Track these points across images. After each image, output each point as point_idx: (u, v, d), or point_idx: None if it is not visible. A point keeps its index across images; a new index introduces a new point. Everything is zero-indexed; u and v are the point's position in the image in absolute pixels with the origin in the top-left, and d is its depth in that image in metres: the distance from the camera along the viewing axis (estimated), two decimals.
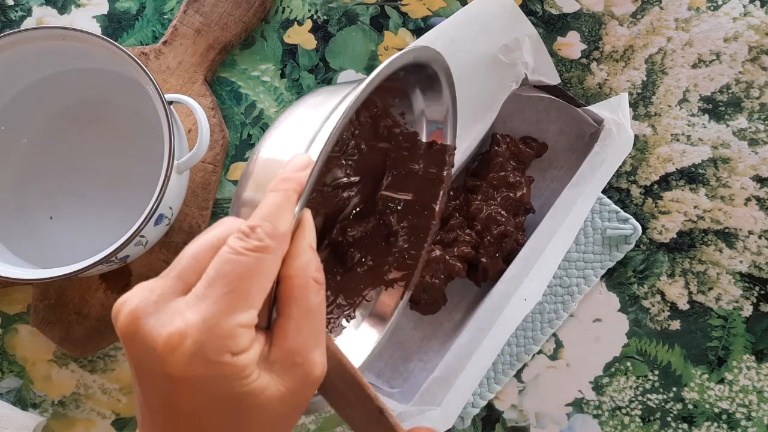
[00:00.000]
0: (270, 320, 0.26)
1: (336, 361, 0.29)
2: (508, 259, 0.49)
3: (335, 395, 0.30)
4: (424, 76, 0.37)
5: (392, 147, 0.41)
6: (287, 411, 0.26)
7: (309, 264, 0.26)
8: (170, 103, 0.44)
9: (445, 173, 0.41)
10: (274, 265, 0.25)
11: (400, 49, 0.52)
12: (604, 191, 0.51)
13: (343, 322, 0.40)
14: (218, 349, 0.23)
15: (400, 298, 0.42)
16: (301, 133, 0.29)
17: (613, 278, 0.52)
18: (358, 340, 0.40)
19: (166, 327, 0.24)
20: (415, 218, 0.42)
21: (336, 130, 0.27)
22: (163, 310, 0.24)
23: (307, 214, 0.27)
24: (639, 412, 0.51)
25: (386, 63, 0.30)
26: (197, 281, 0.25)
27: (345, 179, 0.40)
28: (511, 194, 0.49)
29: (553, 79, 0.50)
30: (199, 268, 0.25)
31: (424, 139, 0.41)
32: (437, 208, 0.42)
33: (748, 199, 0.52)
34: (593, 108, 0.50)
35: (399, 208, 0.42)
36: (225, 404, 0.24)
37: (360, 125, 0.39)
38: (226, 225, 0.26)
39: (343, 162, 0.40)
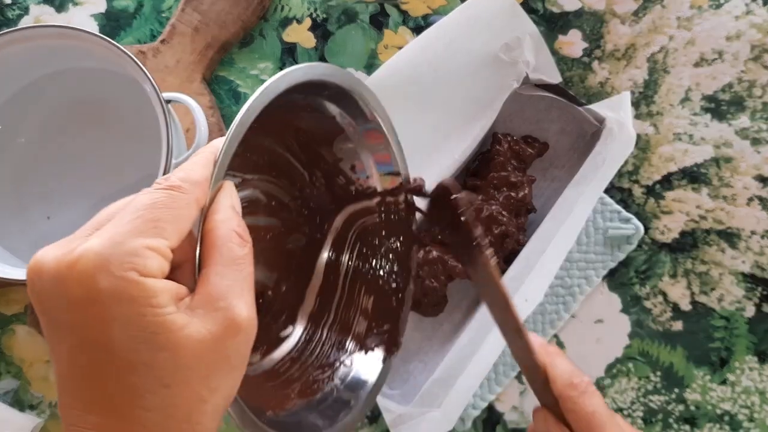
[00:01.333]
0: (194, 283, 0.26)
1: (493, 282, 0.32)
2: (508, 260, 0.49)
3: (490, 304, 0.34)
4: (349, 103, 0.36)
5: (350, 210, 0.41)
6: (210, 358, 0.24)
7: (230, 218, 0.26)
8: (168, 102, 0.44)
9: (413, 230, 0.40)
10: (187, 205, 0.25)
11: (400, 48, 0.52)
12: (605, 191, 0.51)
13: (347, 361, 0.40)
14: (123, 264, 0.22)
15: (382, 363, 0.40)
16: None
17: (615, 279, 0.51)
18: (354, 381, 0.40)
19: (71, 253, 0.23)
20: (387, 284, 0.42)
21: (247, 108, 0.28)
22: (66, 246, 0.24)
23: (229, 183, 0.28)
24: (641, 414, 0.50)
25: (277, 76, 0.30)
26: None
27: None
28: (513, 194, 0.49)
29: (555, 77, 0.50)
30: (112, 217, 0.25)
31: (378, 187, 0.40)
32: (411, 262, 0.41)
33: (750, 199, 0.51)
34: (595, 107, 0.50)
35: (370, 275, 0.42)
36: (135, 334, 0.23)
37: (315, 187, 0.39)
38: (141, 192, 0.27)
39: (303, 226, 0.40)
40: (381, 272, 0.41)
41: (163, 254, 0.24)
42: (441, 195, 0.35)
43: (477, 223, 0.36)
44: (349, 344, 0.40)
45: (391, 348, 0.40)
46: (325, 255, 0.41)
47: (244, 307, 0.25)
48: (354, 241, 0.41)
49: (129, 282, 0.23)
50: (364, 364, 0.39)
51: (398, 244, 0.40)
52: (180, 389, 0.24)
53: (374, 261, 0.41)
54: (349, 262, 0.41)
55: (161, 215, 0.24)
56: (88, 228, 0.25)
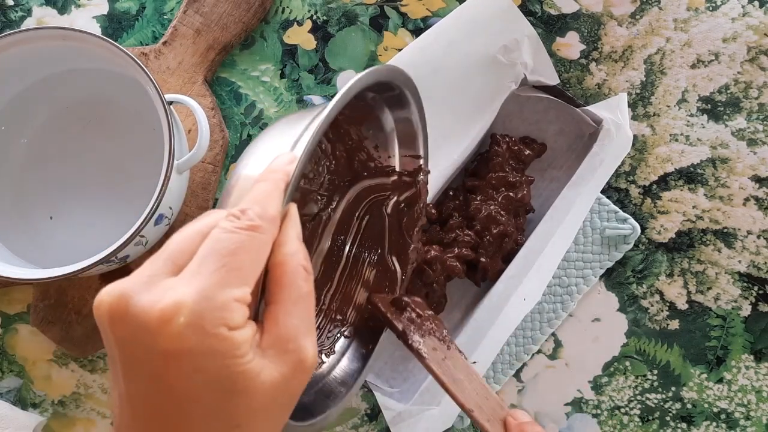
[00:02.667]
0: (259, 312, 0.26)
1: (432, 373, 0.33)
2: (507, 259, 0.49)
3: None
4: (391, 94, 0.37)
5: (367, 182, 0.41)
6: (279, 399, 0.25)
7: (297, 251, 0.26)
8: (170, 103, 0.44)
9: (419, 208, 0.41)
10: (265, 245, 0.25)
11: (400, 50, 0.52)
12: (603, 191, 0.52)
13: (323, 357, 0.40)
14: (215, 321, 0.23)
15: (379, 335, 0.41)
16: (283, 142, 0.30)
17: (612, 278, 0.52)
18: (352, 356, 0.40)
19: (160, 301, 0.23)
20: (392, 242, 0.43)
21: (319, 127, 0.28)
22: (155, 288, 0.24)
23: (293, 207, 0.27)
24: (638, 412, 0.51)
25: (353, 80, 0.31)
26: (187, 263, 0.24)
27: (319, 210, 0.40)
28: (512, 194, 0.49)
29: (552, 79, 0.51)
30: (189, 250, 0.25)
31: (397, 167, 0.41)
32: (413, 240, 0.42)
33: (746, 199, 0.52)
34: (592, 108, 0.50)
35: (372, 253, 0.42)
36: (218, 384, 0.23)
37: (336, 159, 0.40)
38: (213, 215, 0.26)
39: (318, 197, 0.40)
40: (386, 247, 0.42)
41: (246, 302, 0.24)
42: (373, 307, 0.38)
43: (401, 320, 0.38)
44: (350, 315, 0.41)
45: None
46: (334, 224, 0.41)
47: (310, 347, 0.26)
48: (363, 214, 0.41)
49: (220, 338, 0.23)
50: (362, 338, 0.40)
51: (405, 223, 0.41)
52: (250, 428, 0.24)
53: (381, 236, 0.42)
54: (357, 234, 0.42)
55: (244, 262, 0.24)
56: (167, 261, 0.25)
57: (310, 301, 0.26)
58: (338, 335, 0.40)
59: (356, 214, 0.42)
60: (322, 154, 0.40)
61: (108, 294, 0.24)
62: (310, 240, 0.41)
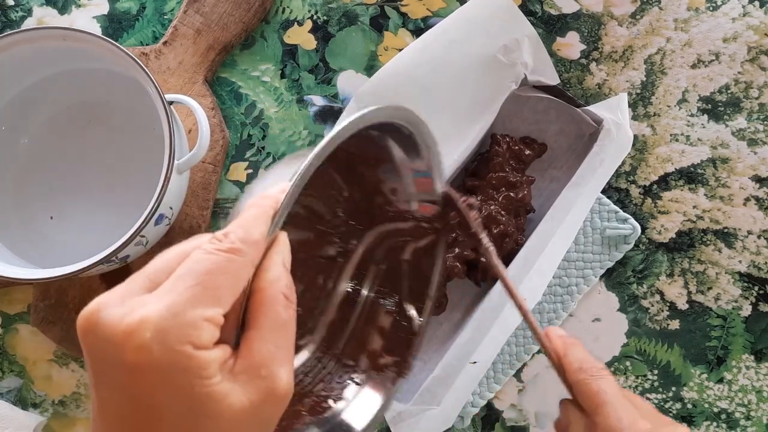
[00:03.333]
0: (237, 338, 0.26)
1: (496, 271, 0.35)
2: (507, 259, 0.49)
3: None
4: (399, 136, 0.36)
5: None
6: (248, 426, 0.25)
7: (280, 278, 0.26)
8: (170, 103, 0.44)
9: (439, 261, 0.40)
10: (245, 269, 0.25)
11: (400, 50, 0.52)
12: (603, 191, 0.52)
13: (331, 402, 0.39)
14: (179, 338, 0.23)
15: (392, 383, 0.40)
16: (285, 176, 0.30)
17: (613, 278, 0.52)
18: (362, 403, 0.39)
19: (129, 315, 0.23)
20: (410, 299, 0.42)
21: (313, 157, 0.27)
22: (127, 303, 0.24)
23: (283, 235, 0.27)
24: None
25: (358, 114, 0.30)
26: (165, 281, 0.25)
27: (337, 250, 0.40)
28: (512, 194, 0.49)
29: (553, 79, 0.51)
30: (169, 269, 0.25)
31: (415, 213, 0.40)
32: (431, 287, 0.41)
33: (747, 199, 0.52)
34: (592, 108, 0.50)
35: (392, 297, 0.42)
36: (182, 403, 0.23)
37: (353, 202, 0.39)
38: (198, 238, 0.26)
39: (335, 240, 0.40)
40: (404, 293, 0.41)
41: (217, 323, 0.24)
42: (447, 202, 0.38)
43: (477, 219, 0.38)
44: (362, 361, 0.40)
45: (402, 370, 0.39)
46: (352, 267, 0.41)
47: (284, 376, 0.25)
48: (381, 259, 0.41)
49: (183, 355, 0.23)
50: (374, 384, 0.39)
51: (425, 270, 0.41)
52: None
53: (399, 282, 0.41)
54: (375, 279, 0.41)
55: (220, 282, 0.24)
56: (144, 279, 0.25)
57: (288, 329, 0.26)
58: (348, 381, 0.39)
59: (374, 259, 0.41)
60: (338, 195, 0.39)
61: (85, 307, 0.25)
62: (325, 282, 0.40)
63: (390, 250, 0.41)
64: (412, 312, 0.41)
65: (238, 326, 0.26)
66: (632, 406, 0.34)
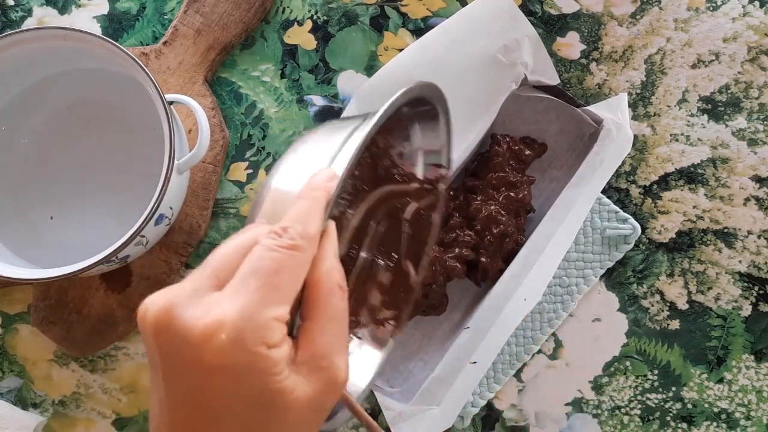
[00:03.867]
0: (293, 327, 0.27)
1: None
2: (507, 259, 0.49)
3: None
4: (423, 111, 0.38)
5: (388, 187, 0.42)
6: (311, 415, 0.26)
7: (334, 269, 0.27)
8: (171, 103, 0.44)
9: (435, 216, 0.42)
10: (305, 264, 0.26)
11: (400, 50, 0.52)
12: (603, 191, 0.52)
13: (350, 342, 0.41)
14: (255, 339, 0.24)
15: (391, 335, 0.41)
16: (319, 155, 0.30)
17: (613, 278, 0.52)
18: (361, 360, 0.41)
19: (204, 317, 0.24)
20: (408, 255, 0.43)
21: (360, 147, 0.28)
22: (198, 303, 0.25)
23: (332, 225, 0.28)
24: (638, 412, 0.51)
25: (396, 95, 0.31)
26: (230, 278, 0.25)
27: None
28: (512, 194, 0.49)
29: (553, 79, 0.51)
30: (231, 266, 0.26)
31: (420, 175, 0.42)
32: (428, 247, 0.42)
33: (747, 199, 0.52)
34: (592, 108, 0.50)
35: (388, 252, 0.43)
36: (254, 399, 0.24)
37: (360, 165, 0.40)
38: (254, 230, 0.27)
39: (340, 200, 0.41)
40: (403, 251, 0.42)
41: (285, 320, 0.25)
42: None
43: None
44: (363, 317, 0.41)
45: (399, 323, 0.41)
46: (353, 226, 0.42)
47: (343, 365, 0.26)
48: (381, 219, 0.42)
49: (259, 356, 0.24)
50: (373, 338, 0.41)
51: (423, 229, 0.42)
52: None
53: (398, 240, 0.42)
54: (374, 238, 0.42)
55: (284, 281, 0.25)
56: (210, 275, 0.26)
57: (344, 320, 0.27)
58: (351, 336, 0.41)
59: (375, 219, 0.42)
60: None
61: (154, 304, 0.25)
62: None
63: (391, 210, 0.42)
64: (410, 269, 0.42)
65: (294, 316, 0.26)
66: None
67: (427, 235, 0.42)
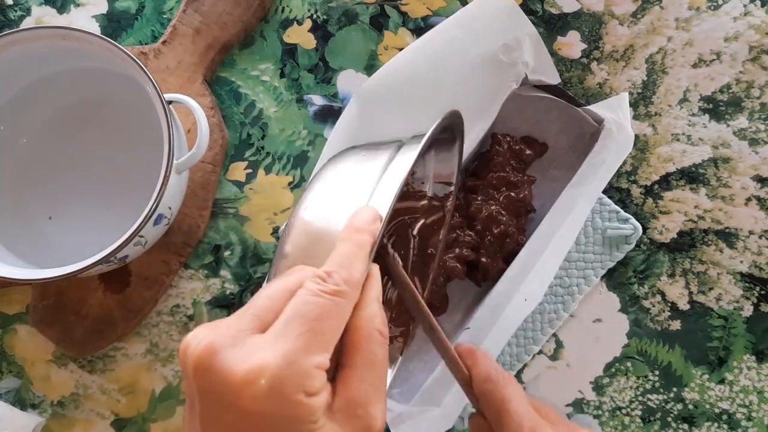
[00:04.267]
0: (332, 372, 0.27)
1: (407, 288, 0.34)
2: (508, 260, 0.49)
3: (407, 304, 0.36)
4: (443, 137, 0.38)
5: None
6: None
7: (376, 316, 0.27)
8: (169, 102, 0.44)
9: (441, 233, 0.42)
10: (348, 310, 0.26)
11: (400, 49, 0.52)
12: (604, 191, 0.51)
13: None
14: (295, 387, 0.24)
15: (400, 353, 0.41)
16: (355, 188, 0.30)
17: (614, 278, 0.52)
18: None
19: (246, 361, 0.24)
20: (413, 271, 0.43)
21: (401, 186, 0.28)
22: (241, 345, 0.24)
23: (376, 269, 0.28)
24: (639, 413, 0.51)
25: (435, 125, 0.31)
26: (273, 321, 0.25)
27: None
28: (513, 194, 0.49)
29: (553, 78, 0.50)
30: (275, 308, 0.26)
31: (429, 193, 0.42)
32: (434, 262, 0.42)
33: (748, 199, 0.51)
34: (593, 108, 0.50)
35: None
36: None
37: None
38: (299, 273, 0.27)
39: None
40: (409, 267, 0.42)
41: (326, 368, 0.25)
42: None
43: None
44: None
45: (407, 339, 0.40)
46: None
47: (380, 414, 0.26)
48: (390, 234, 0.41)
49: (298, 404, 0.24)
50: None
51: (430, 246, 0.42)
52: None
53: (406, 255, 0.42)
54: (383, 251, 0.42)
55: (328, 328, 0.25)
56: (253, 317, 0.25)
57: (383, 367, 0.27)
58: None
59: (384, 235, 0.42)
60: None
61: (197, 343, 0.25)
62: None
63: (399, 227, 0.42)
64: (417, 285, 0.42)
65: (334, 361, 0.26)
66: (535, 413, 0.34)
67: (434, 252, 0.42)
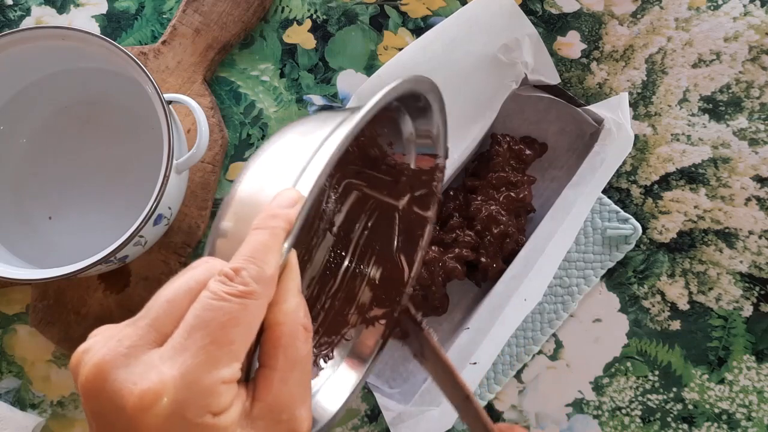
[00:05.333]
0: (250, 371, 0.24)
1: (437, 355, 0.33)
2: (508, 260, 0.49)
3: (437, 379, 0.35)
4: (415, 103, 0.35)
5: (372, 181, 0.39)
6: None
7: (298, 309, 0.24)
8: (169, 102, 0.44)
9: (431, 212, 0.39)
10: (260, 311, 0.23)
11: (400, 49, 0.52)
12: (604, 191, 0.51)
13: (321, 362, 0.38)
14: (198, 410, 0.21)
15: (381, 337, 0.38)
16: (289, 164, 0.26)
17: (613, 278, 0.51)
18: (336, 382, 0.37)
19: (139, 383, 0.21)
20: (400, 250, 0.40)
21: (328, 164, 0.25)
22: (134, 364, 0.21)
23: (293, 256, 0.25)
24: (639, 413, 0.50)
25: (381, 94, 0.28)
26: (173, 330, 0.22)
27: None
28: (513, 194, 0.49)
29: (553, 78, 0.50)
30: (176, 314, 0.22)
31: (412, 165, 0.38)
32: (423, 241, 0.39)
33: (748, 199, 0.51)
34: (593, 108, 0.50)
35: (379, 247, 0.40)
36: None
37: (346, 152, 0.39)
38: (205, 266, 0.24)
39: (325, 191, 0.39)
40: (393, 245, 0.40)
41: (236, 379, 0.22)
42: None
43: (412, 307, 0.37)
44: (351, 316, 0.39)
45: (391, 322, 0.38)
46: (340, 219, 0.40)
47: (305, 415, 0.24)
48: (372, 211, 0.40)
49: (204, 427, 0.21)
50: (365, 341, 0.38)
51: (414, 221, 0.39)
52: None
53: (388, 234, 0.40)
54: (364, 231, 0.40)
55: (236, 335, 0.22)
56: (148, 328, 0.22)
57: (307, 364, 0.24)
58: (338, 339, 0.39)
59: (365, 210, 0.40)
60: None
61: (84, 362, 0.22)
62: (311, 234, 0.39)
63: (382, 203, 0.39)
64: (403, 264, 0.39)
65: (249, 358, 0.23)
66: None
67: (423, 228, 0.39)
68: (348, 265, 0.41)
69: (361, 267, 0.41)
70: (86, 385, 0.22)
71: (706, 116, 0.52)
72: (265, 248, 0.23)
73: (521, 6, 0.52)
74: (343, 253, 0.41)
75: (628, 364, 0.51)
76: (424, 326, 0.35)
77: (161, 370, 0.21)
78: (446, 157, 0.38)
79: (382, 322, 0.39)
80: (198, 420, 0.21)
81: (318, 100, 0.54)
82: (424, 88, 0.33)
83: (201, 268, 0.24)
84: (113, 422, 0.21)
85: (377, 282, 0.40)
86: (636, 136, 0.52)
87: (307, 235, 0.39)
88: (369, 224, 0.41)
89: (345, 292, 0.40)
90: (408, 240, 0.40)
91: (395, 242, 0.40)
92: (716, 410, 0.50)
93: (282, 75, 0.54)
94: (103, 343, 0.22)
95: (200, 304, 0.22)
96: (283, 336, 0.23)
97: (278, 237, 0.23)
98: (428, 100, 0.35)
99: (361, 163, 0.39)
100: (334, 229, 0.40)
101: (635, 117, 0.52)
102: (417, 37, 0.52)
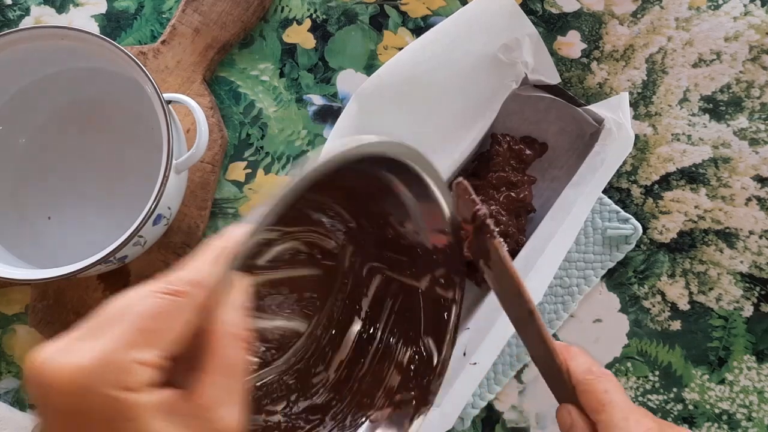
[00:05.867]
0: (189, 380, 0.26)
1: (504, 264, 0.32)
2: None
3: (501, 292, 0.34)
4: (404, 175, 0.33)
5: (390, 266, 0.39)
6: None
7: (232, 320, 0.27)
8: (169, 102, 0.44)
9: (453, 293, 0.37)
10: (187, 309, 0.25)
11: (400, 49, 0.52)
12: (604, 191, 0.51)
13: None
14: (109, 382, 0.23)
15: (409, 422, 0.37)
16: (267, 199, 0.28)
17: (614, 278, 0.51)
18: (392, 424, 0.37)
19: (62, 362, 0.24)
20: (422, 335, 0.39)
21: (279, 201, 0.27)
22: (65, 350, 0.24)
23: (241, 278, 0.27)
24: None
25: (334, 155, 0.28)
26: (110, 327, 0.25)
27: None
28: (513, 194, 0.49)
29: (553, 78, 0.50)
30: (115, 316, 0.25)
31: (427, 243, 0.37)
32: (450, 324, 0.38)
33: (748, 199, 0.51)
34: (593, 107, 0.50)
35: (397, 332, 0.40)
36: None
37: (364, 234, 0.38)
38: (147, 284, 0.27)
39: (344, 278, 0.38)
40: (419, 329, 0.39)
41: (155, 365, 0.24)
42: (461, 194, 0.34)
43: (487, 213, 0.34)
44: (379, 399, 0.39)
45: (421, 406, 0.37)
46: (367, 303, 0.40)
47: (229, 416, 0.26)
48: (396, 293, 0.40)
49: (113, 399, 0.23)
50: (391, 422, 0.38)
51: (438, 303, 0.38)
52: None
53: (413, 317, 0.39)
54: (390, 315, 0.40)
55: (158, 325, 0.25)
56: (89, 328, 0.25)
57: (237, 370, 0.26)
58: (364, 418, 0.38)
59: (389, 293, 0.40)
60: (343, 227, 0.38)
61: (30, 357, 0.25)
62: (341, 319, 0.40)
63: (404, 285, 0.39)
64: (432, 347, 0.39)
65: (196, 368, 0.26)
66: (636, 407, 0.34)
67: (449, 310, 0.38)
68: (376, 348, 0.40)
69: (390, 350, 0.40)
70: (28, 374, 0.25)
71: (707, 116, 0.52)
72: (202, 260, 0.27)
73: (521, 6, 0.52)
74: (372, 337, 0.40)
75: (629, 364, 0.51)
76: (494, 233, 0.33)
77: (83, 351, 0.24)
78: (458, 229, 0.36)
79: (411, 406, 0.38)
80: (107, 391, 0.23)
81: (318, 99, 0.54)
82: (400, 152, 0.31)
83: (141, 285, 0.27)
84: (45, 399, 0.24)
85: (405, 365, 0.39)
86: (636, 136, 0.52)
87: (334, 317, 0.39)
88: (395, 307, 0.40)
89: (373, 375, 0.39)
90: (434, 322, 0.39)
91: (421, 325, 0.39)
92: (716, 410, 0.50)
93: (282, 75, 0.54)
94: (48, 345, 0.25)
95: (133, 297, 0.25)
96: (214, 342, 0.26)
97: (219, 254, 0.27)
98: (413, 167, 0.33)
99: (381, 244, 0.39)
100: (362, 313, 0.40)
101: (635, 117, 0.52)
102: (417, 37, 0.52)
